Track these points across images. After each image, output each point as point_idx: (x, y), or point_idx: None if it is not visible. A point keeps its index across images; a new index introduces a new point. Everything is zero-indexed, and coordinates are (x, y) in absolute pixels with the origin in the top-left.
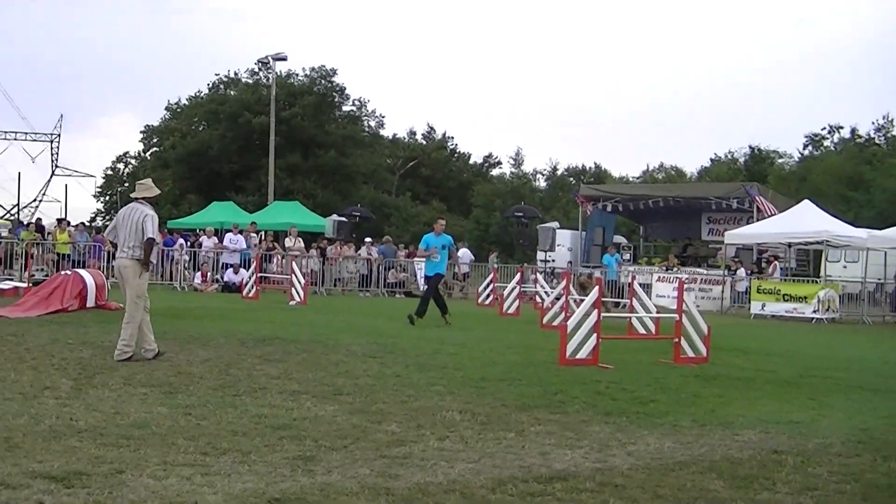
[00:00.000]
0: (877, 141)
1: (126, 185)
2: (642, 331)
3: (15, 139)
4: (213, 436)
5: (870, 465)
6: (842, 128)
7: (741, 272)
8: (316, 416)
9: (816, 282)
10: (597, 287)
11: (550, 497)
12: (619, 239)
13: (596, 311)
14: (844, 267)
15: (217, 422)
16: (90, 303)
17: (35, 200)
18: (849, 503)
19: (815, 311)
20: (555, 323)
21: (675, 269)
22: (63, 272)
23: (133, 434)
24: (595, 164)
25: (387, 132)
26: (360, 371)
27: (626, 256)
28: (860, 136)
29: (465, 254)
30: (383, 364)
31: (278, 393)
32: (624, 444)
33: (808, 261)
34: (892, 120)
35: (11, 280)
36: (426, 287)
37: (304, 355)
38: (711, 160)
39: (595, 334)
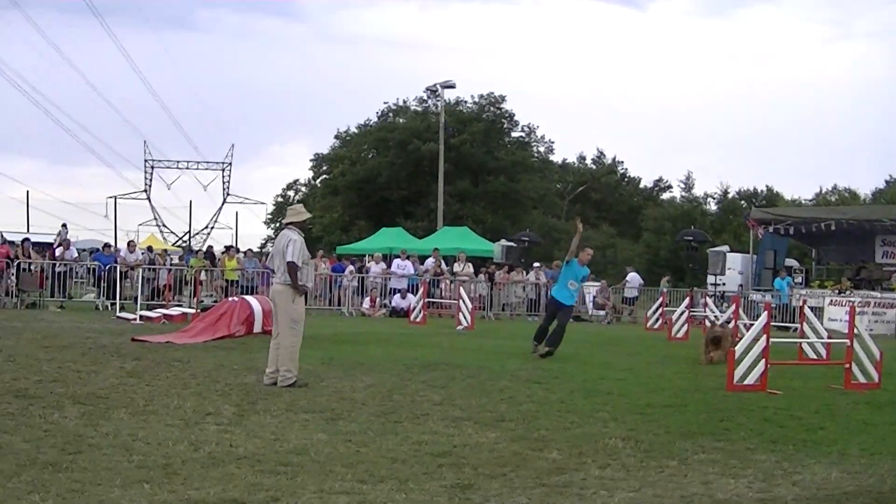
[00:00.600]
0: None
1: None
2: (812, 356)
3: (187, 168)
4: (371, 463)
5: None
6: None
7: None
8: (476, 443)
9: None
10: (766, 312)
11: None
12: (790, 262)
13: (765, 336)
14: None
15: (377, 449)
16: (257, 328)
17: (207, 227)
18: None
19: None
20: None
21: (847, 292)
22: (231, 299)
23: (291, 461)
24: (767, 186)
25: (556, 157)
26: (523, 397)
27: (798, 280)
28: None
29: (633, 278)
30: (548, 390)
31: (440, 419)
32: (789, 474)
33: None
34: None
35: (181, 306)
36: (561, 317)
37: (469, 381)
38: (886, 182)
39: (763, 359)
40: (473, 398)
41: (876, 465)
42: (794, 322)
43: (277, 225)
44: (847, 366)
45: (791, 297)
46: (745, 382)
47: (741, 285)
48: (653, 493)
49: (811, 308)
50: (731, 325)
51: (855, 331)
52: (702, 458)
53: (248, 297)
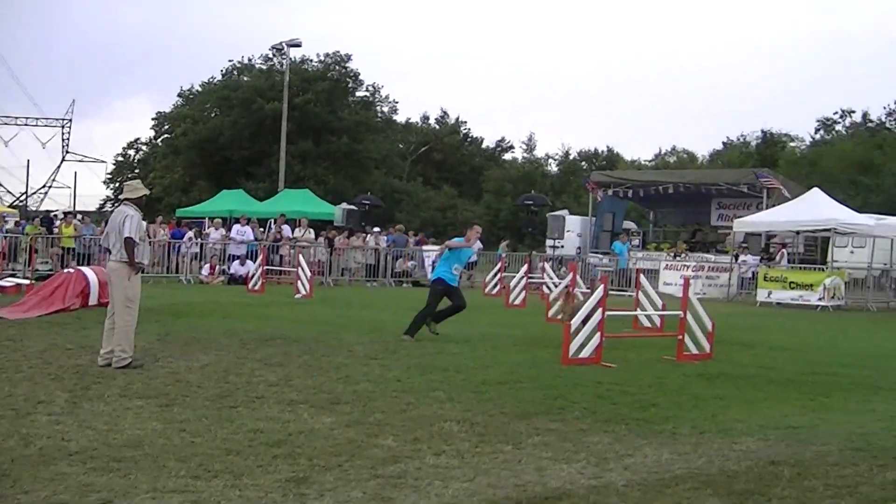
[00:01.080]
0: (888, 126)
1: (136, 171)
2: (647, 324)
3: (26, 124)
4: (206, 456)
5: (866, 476)
6: (853, 112)
7: (749, 258)
8: (312, 429)
9: (823, 269)
10: (602, 286)
11: None
12: (628, 224)
13: (601, 309)
14: (851, 252)
15: (212, 439)
16: (93, 300)
17: (44, 187)
18: None
19: (820, 299)
20: (560, 317)
21: (683, 255)
22: (66, 270)
23: (125, 456)
24: (607, 147)
25: (400, 117)
26: (360, 375)
27: (635, 242)
28: (871, 121)
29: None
30: (385, 366)
31: (276, 403)
32: (621, 457)
33: (815, 246)
34: None
35: (14, 276)
36: (456, 298)
37: (305, 357)
38: (724, 144)
39: (598, 333)
40: (310, 378)
41: (705, 444)
42: (631, 287)
43: (117, 185)
44: (680, 337)
45: (628, 262)
46: (581, 356)
47: (579, 248)
48: (487, 481)
49: (648, 271)
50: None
51: (689, 303)
52: (536, 442)
53: (84, 269)
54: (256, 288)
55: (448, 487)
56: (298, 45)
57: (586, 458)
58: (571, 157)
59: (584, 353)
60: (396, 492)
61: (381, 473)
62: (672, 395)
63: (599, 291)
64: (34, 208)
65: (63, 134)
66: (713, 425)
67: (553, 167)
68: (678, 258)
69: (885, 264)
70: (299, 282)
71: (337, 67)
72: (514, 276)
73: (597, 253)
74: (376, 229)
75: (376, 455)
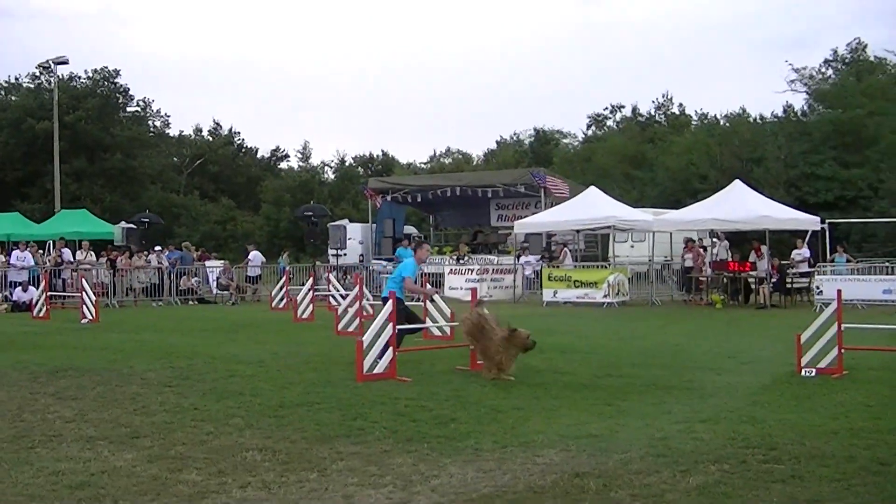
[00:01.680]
0: (657, 119)
1: None
2: (438, 333)
3: None
4: (7, 503)
5: (670, 483)
6: (623, 107)
7: (531, 259)
8: (114, 467)
9: (605, 266)
10: (391, 301)
11: None
12: (409, 229)
13: (391, 324)
14: (632, 247)
15: (12, 484)
16: None
17: None
18: None
19: (605, 296)
20: (350, 329)
21: (466, 258)
22: None
23: None
24: (382, 151)
25: (173, 131)
26: (156, 405)
27: None
28: (641, 115)
29: (255, 256)
30: (180, 394)
31: (74, 440)
32: (427, 478)
33: (596, 243)
34: (672, 98)
35: None
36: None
37: (99, 389)
38: (497, 143)
39: (391, 348)
40: (105, 411)
41: (508, 459)
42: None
43: None
44: (472, 348)
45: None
46: (375, 372)
47: (362, 256)
48: None
49: (432, 275)
50: (357, 306)
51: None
52: (340, 467)
53: None
54: (41, 315)
55: None
56: (66, 63)
57: (392, 482)
58: (347, 164)
59: (379, 369)
60: None
61: None
62: (471, 409)
63: (389, 306)
64: None
65: None
66: (514, 438)
67: (330, 174)
68: (461, 262)
69: (666, 257)
70: (84, 307)
71: (106, 83)
72: (301, 290)
73: (380, 259)
74: (157, 248)
75: (182, 492)
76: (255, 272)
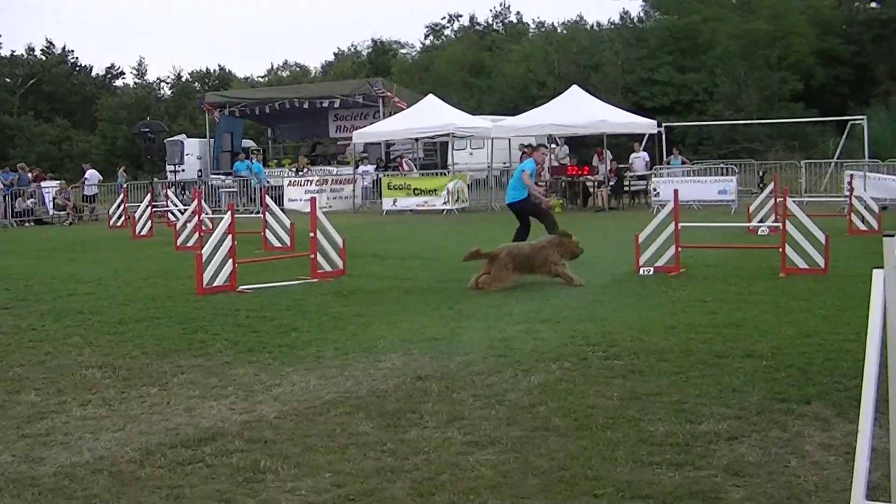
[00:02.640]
0: (495, 28)
1: None
2: (277, 244)
3: None
4: None
5: (511, 383)
6: (461, 16)
7: (368, 167)
8: None
9: (444, 173)
10: (229, 213)
11: (201, 464)
12: (248, 143)
13: (230, 236)
14: (471, 154)
15: None
16: None
17: None
18: (494, 430)
19: (445, 203)
20: (189, 244)
21: (305, 170)
22: None
23: None
24: (219, 66)
25: (4, 51)
26: None
27: (257, 160)
28: (479, 24)
29: (91, 175)
30: (17, 316)
31: None
32: (269, 388)
33: (435, 150)
34: (509, 6)
35: None
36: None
37: None
38: (335, 55)
39: (231, 260)
40: None
41: (350, 365)
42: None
43: None
44: (312, 257)
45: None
46: (215, 284)
47: (200, 171)
48: (138, 429)
49: (272, 188)
50: (196, 220)
51: (317, 222)
52: (182, 380)
53: None
54: None
55: (99, 439)
56: None
57: (234, 393)
58: (184, 80)
59: (219, 281)
60: (47, 450)
61: (28, 432)
62: (312, 318)
63: (227, 218)
64: None
65: None
66: (356, 345)
67: (166, 91)
68: (300, 173)
69: (505, 164)
70: None
71: None
72: (139, 206)
73: (219, 174)
74: None
75: (21, 413)
76: (91, 191)
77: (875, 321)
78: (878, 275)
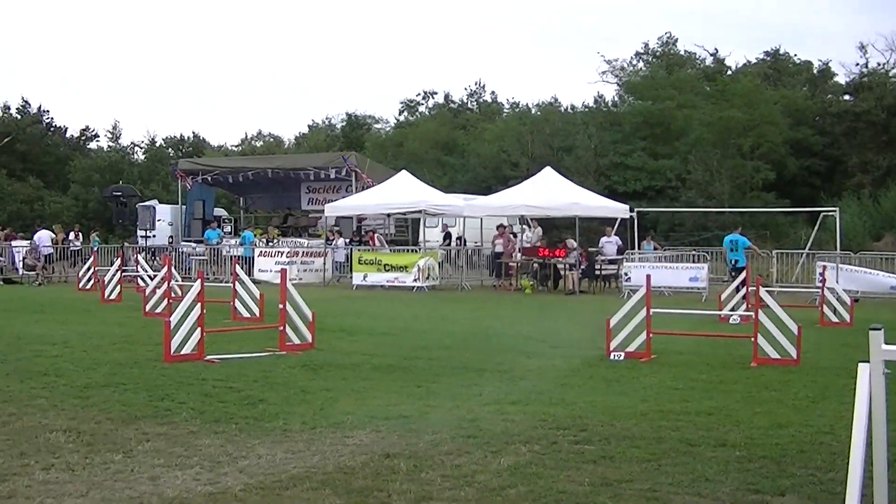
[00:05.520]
0: (469, 106)
1: None
2: (246, 314)
3: None
4: None
5: (481, 464)
6: (436, 93)
7: (340, 241)
8: None
9: (416, 250)
10: (199, 280)
11: None
12: (219, 212)
13: (199, 304)
14: (442, 232)
15: None
16: None
17: None
18: None
19: (415, 280)
20: (158, 310)
21: (276, 240)
22: None
23: None
24: (193, 133)
25: None
26: None
27: (227, 229)
28: (454, 102)
29: (42, 237)
30: None
31: None
32: (235, 459)
33: (406, 227)
34: (484, 86)
35: None
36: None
37: None
38: (309, 127)
39: (199, 328)
40: None
41: (318, 440)
42: (226, 275)
43: None
44: (281, 329)
45: (221, 249)
46: (183, 352)
47: (171, 237)
48: (101, 495)
49: (242, 258)
50: (166, 286)
51: (287, 294)
52: (147, 448)
53: None
54: None
55: None
56: None
57: (199, 463)
58: (158, 145)
59: (186, 350)
60: None
61: None
62: (279, 390)
63: (196, 286)
64: None
65: None
66: (323, 419)
67: (140, 155)
68: (271, 244)
69: (476, 242)
70: None
71: None
72: (108, 270)
73: (189, 241)
74: None
75: None
76: (47, 251)
77: (860, 415)
78: (863, 369)
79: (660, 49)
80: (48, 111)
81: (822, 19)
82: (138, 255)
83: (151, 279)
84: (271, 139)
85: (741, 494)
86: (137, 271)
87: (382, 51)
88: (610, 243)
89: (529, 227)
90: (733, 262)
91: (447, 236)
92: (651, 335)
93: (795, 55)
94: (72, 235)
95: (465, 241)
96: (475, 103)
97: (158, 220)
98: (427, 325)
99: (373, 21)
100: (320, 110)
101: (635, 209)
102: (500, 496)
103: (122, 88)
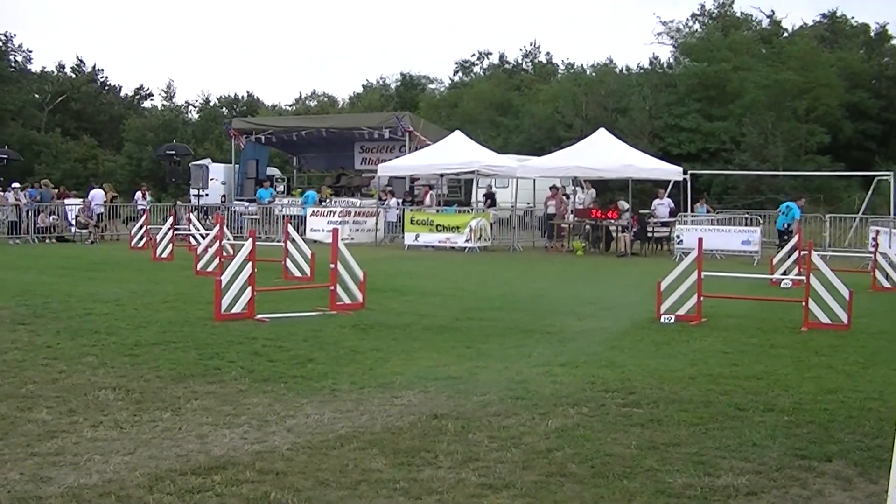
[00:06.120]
0: (524, 67)
1: None
2: (297, 273)
3: None
4: None
5: (528, 426)
6: (491, 54)
7: (392, 201)
8: None
9: (468, 211)
10: (251, 239)
11: (210, 493)
12: (272, 171)
13: (251, 263)
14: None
15: None
16: None
17: None
18: (510, 473)
19: (467, 241)
20: (209, 269)
21: (328, 200)
22: None
23: None
24: (247, 92)
25: (35, 67)
26: (7, 343)
27: (280, 189)
28: (509, 63)
29: (95, 195)
30: (33, 332)
31: None
32: (283, 418)
33: (459, 187)
34: (539, 46)
35: None
36: None
37: None
38: (363, 86)
39: (250, 287)
40: None
41: (366, 400)
42: (279, 234)
43: None
44: (332, 288)
45: (273, 208)
46: (233, 311)
47: (224, 196)
48: (148, 453)
49: (294, 217)
50: (217, 245)
51: (338, 253)
52: (195, 406)
53: None
54: None
55: (109, 462)
56: None
57: (248, 422)
58: (212, 104)
59: (237, 308)
60: (55, 470)
61: (37, 451)
62: (329, 350)
63: (248, 245)
64: None
65: None
66: (372, 379)
67: (194, 114)
68: (324, 204)
69: (529, 204)
70: None
71: None
72: (160, 229)
73: (242, 200)
74: (16, 185)
75: (31, 431)
76: (99, 210)
77: None
78: None
79: (716, 11)
80: (103, 70)
81: None
82: (191, 214)
83: (203, 238)
84: (325, 99)
85: (788, 459)
86: (190, 230)
87: (437, 11)
88: (662, 205)
89: (582, 188)
90: (785, 225)
91: (489, 196)
92: (702, 298)
93: (852, 17)
94: (138, 195)
95: (514, 205)
96: (530, 64)
97: (211, 179)
98: (477, 286)
99: None
100: (375, 70)
101: (689, 171)
102: (546, 458)
103: (176, 47)
